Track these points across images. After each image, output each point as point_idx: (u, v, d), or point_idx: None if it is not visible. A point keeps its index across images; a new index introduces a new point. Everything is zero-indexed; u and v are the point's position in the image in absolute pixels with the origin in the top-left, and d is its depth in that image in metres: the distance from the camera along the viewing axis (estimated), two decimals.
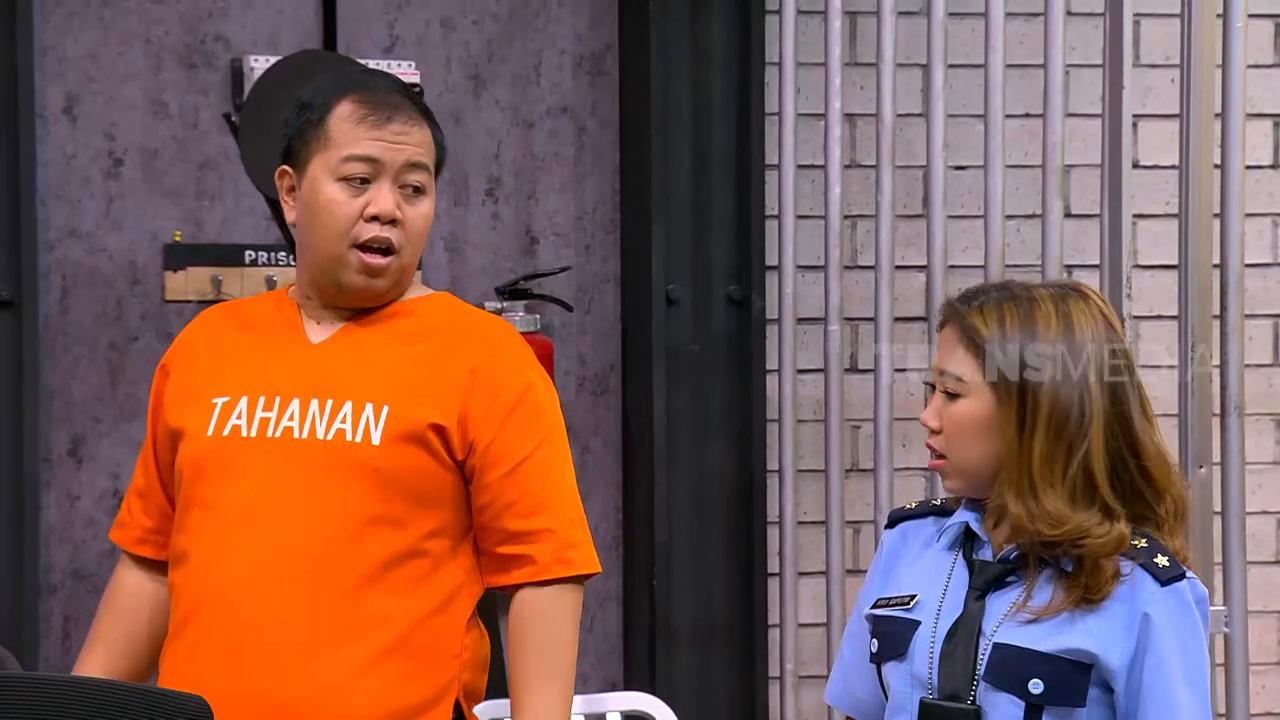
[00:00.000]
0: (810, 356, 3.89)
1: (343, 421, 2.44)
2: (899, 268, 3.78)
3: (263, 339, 2.54)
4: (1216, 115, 3.44)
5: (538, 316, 3.94)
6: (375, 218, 2.43)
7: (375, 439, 2.43)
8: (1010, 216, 3.73)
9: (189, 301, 3.90)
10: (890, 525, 2.44)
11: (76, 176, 3.90)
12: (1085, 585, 2.22)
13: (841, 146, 3.77)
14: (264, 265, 3.93)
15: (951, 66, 3.67)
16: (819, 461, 3.83)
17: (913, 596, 2.31)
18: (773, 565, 3.94)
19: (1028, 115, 3.80)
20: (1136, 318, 3.66)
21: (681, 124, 3.97)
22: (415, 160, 2.45)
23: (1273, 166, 4.13)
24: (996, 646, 2.23)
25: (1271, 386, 4.05)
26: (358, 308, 2.50)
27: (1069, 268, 3.71)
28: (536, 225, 4.07)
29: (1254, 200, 3.81)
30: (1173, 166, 3.59)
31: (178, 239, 3.92)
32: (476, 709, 2.55)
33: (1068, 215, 3.70)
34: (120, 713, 2.34)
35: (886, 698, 2.33)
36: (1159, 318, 3.93)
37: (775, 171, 3.88)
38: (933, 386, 2.34)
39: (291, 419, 2.45)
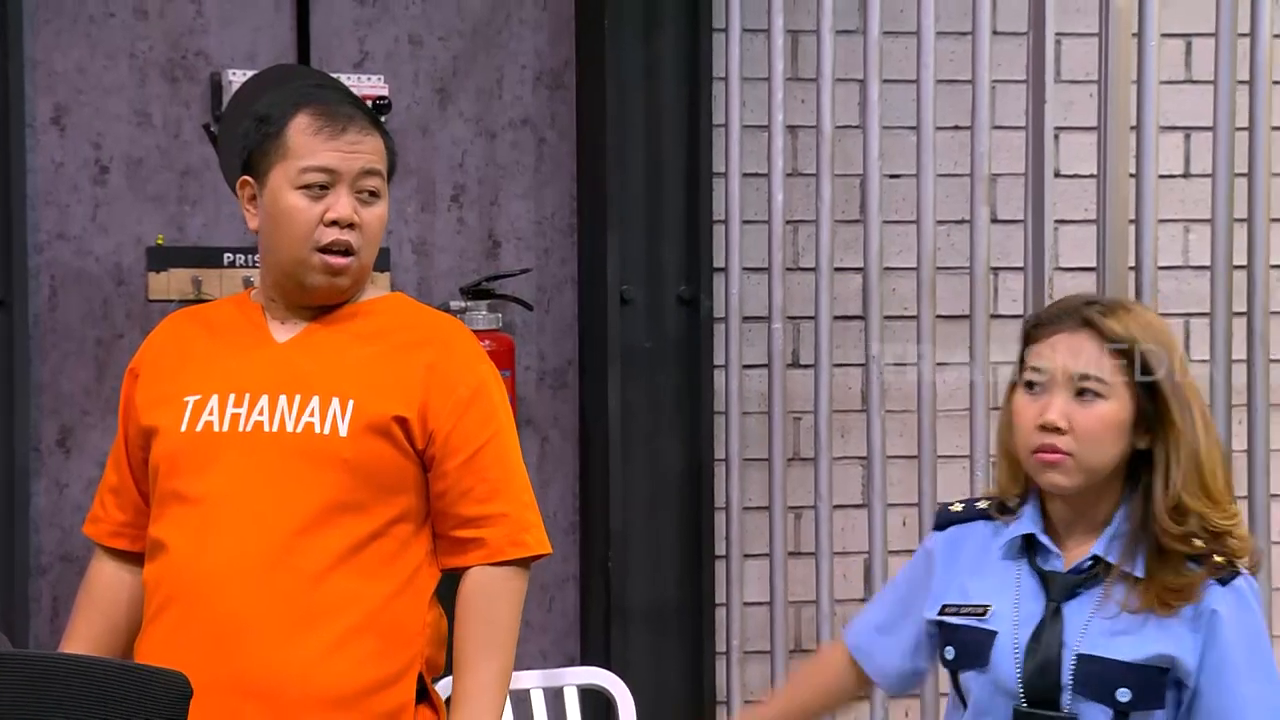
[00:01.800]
0: (755, 353, 3.92)
1: (311, 415, 2.50)
2: (838, 269, 3.85)
3: (229, 340, 2.59)
4: (1132, 128, 3.49)
5: (500, 315, 4.00)
6: (335, 222, 2.51)
7: (343, 431, 2.50)
8: (941, 222, 3.79)
9: (171, 301, 3.90)
10: (939, 528, 2.45)
11: (65, 183, 3.91)
12: (1173, 590, 2.26)
13: (784, 156, 3.83)
14: (241, 267, 3.96)
15: (886, 82, 3.74)
16: (763, 451, 3.88)
17: (987, 606, 2.34)
18: (720, 549, 3.97)
19: (957, 127, 3.86)
20: None
21: (634, 135, 3.99)
22: (369, 167, 2.53)
23: (1184, 176, 4.17)
24: (1081, 658, 2.28)
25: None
26: (319, 307, 2.57)
27: (995, 270, 3.77)
28: (499, 229, 4.09)
29: (1167, 207, 3.85)
30: (1091, 175, 3.63)
31: (160, 242, 3.94)
32: (438, 684, 2.64)
33: (994, 221, 3.74)
34: (106, 686, 2.42)
35: (965, 705, 2.37)
36: None
37: (722, 179, 3.92)
38: (1030, 384, 2.33)
39: (261, 414, 2.51)
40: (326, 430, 2.51)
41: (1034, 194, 3.52)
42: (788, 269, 3.91)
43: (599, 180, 4.02)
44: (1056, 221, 3.69)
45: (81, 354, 3.96)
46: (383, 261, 3.97)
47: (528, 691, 3.25)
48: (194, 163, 3.98)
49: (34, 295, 3.89)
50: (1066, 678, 2.29)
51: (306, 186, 2.51)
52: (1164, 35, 3.64)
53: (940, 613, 2.40)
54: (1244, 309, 3.63)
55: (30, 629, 3.86)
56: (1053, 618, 2.31)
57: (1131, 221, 3.52)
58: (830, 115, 3.79)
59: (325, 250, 2.52)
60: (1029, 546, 2.37)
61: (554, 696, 3.31)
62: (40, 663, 2.56)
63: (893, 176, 3.93)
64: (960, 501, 2.48)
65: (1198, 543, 2.30)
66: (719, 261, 3.99)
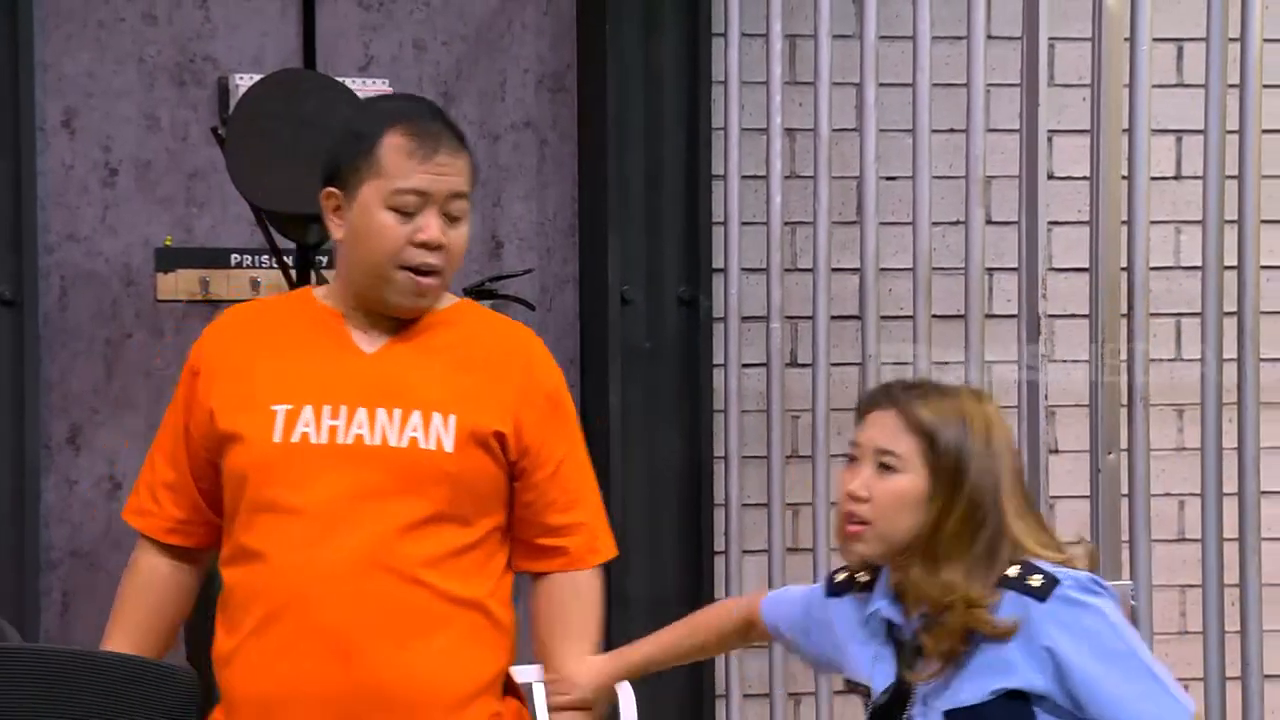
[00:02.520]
0: (754, 352, 3.95)
1: (414, 430, 2.52)
2: (835, 270, 3.87)
3: (312, 347, 2.58)
4: (1124, 131, 3.54)
5: (503, 315, 4.12)
6: (424, 244, 2.52)
7: (448, 446, 2.53)
8: (936, 223, 3.81)
9: (179, 301, 3.95)
10: (830, 594, 2.56)
11: (75, 185, 3.95)
12: (947, 647, 2.36)
13: (782, 158, 3.86)
14: (249, 268, 3.99)
15: (883, 85, 3.75)
16: (762, 449, 3.91)
17: (869, 687, 2.47)
18: (719, 544, 4.00)
19: (952, 130, 3.87)
20: (1051, 316, 3.74)
21: (635, 137, 4.02)
22: (458, 190, 2.55)
23: (1176, 178, 4.21)
24: (948, 715, 2.38)
25: (1174, 379, 4.11)
26: (399, 318, 2.59)
27: (990, 270, 3.81)
28: (502, 230, 4.14)
29: (1158, 209, 3.87)
30: (1084, 177, 3.64)
31: (169, 243, 3.98)
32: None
33: (989, 222, 3.76)
34: (120, 682, 2.51)
35: None
36: (1072, 316, 3.99)
37: (721, 181, 3.95)
38: (851, 458, 2.47)
39: (360, 427, 2.52)
40: (431, 445, 2.54)
41: (1028, 195, 3.55)
42: (786, 270, 3.95)
43: (600, 182, 4.06)
44: (1050, 223, 3.71)
45: (91, 353, 3.99)
46: None
47: (530, 685, 3.28)
48: (201, 165, 4.01)
49: (44, 295, 3.94)
50: None
51: (397, 208, 2.53)
52: (1156, 40, 3.67)
53: (846, 684, 2.54)
54: (1234, 309, 3.67)
55: (41, 623, 3.90)
56: (906, 686, 2.43)
57: (1124, 223, 3.57)
58: (828, 118, 3.82)
59: (412, 270, 2.54)
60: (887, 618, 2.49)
61: None
62: (54, 658, 2.62)
63: (889, 178, 3.95)
64: (841, 571, 2.59)
65: (943, 610, 2.38)
66: (718, 262, 4.02)
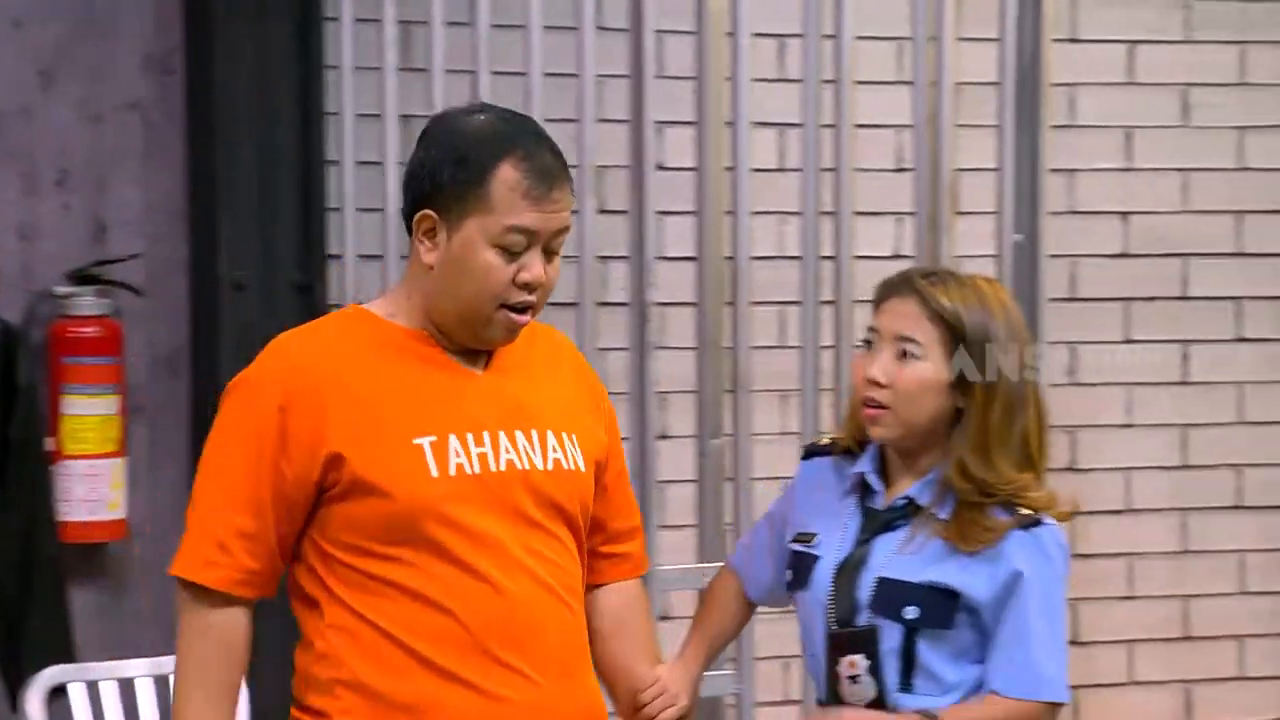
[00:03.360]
0: None
1: (554, 450, 2.50)
2: None
3: (421, 373, 2.48)
4: (728, 123, 3.63)
5: (109, 301, 3.96)
6: (526, 285, 2.46)
7: (582, 465, 2.53)
8: None
9: None
10: (805, 458, 2.71)
11: None
12: (969, 531, 2.51)
13: (397, 145, 3.79)
14: None
15: (496, 73, 3.75)
16: None
17: (814, 535, 2.61)
18: None
19: (565, 120, 3.82)
20: (660, 304, 3.79)
21: (246, 121, 3.97)
22: (564, 227, 2.49)
23: (779, 170, 4.33)
24: (880, 580, 2.53)
25: (776, 366, 4.23)
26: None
27: (601, 258, 3.85)
28: (107, 214, 4.06)
29: (761, 200, 3.96)
30: (691, 168, 3.73)
31: None
32: None
33: (601, 211, 3.80)
34: None
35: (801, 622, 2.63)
36: (680, 304, 4.03)
37: (336, 167, 3.92)
38: (867, 343, 2.58)
39: (507, 452, 2.47)
40: (570, 465, 2.53)
41: (636, 186, 3.63)
42: (402, 257, 3.82)
43: (209, 166, 4.00)
44: (660, 212, 3.76)
45: None
46: None
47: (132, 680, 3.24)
48: None
49: None
50: (864, 597, 2.53)
51: (504, 247, 2.44)
52: (757, 35, 3.77)
53: (792, 540, 2.65)
54: (832, 298, 3.80)
55: None
56: (862, 546, 2.56)
57: (729, 213, 3.67)
58: (443, 105, 3.72)
59: (510, 307, 2.47)
60: (864, 485, 2.61)
61: (162, 683, 3.30)
62: None
63: None
64: (830, 435, 2.72)
65: (989, 497, 2.53)
66: (334, 249, 3.99)
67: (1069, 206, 4.44)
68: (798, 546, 2.64)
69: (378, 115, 3.87)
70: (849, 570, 2.56)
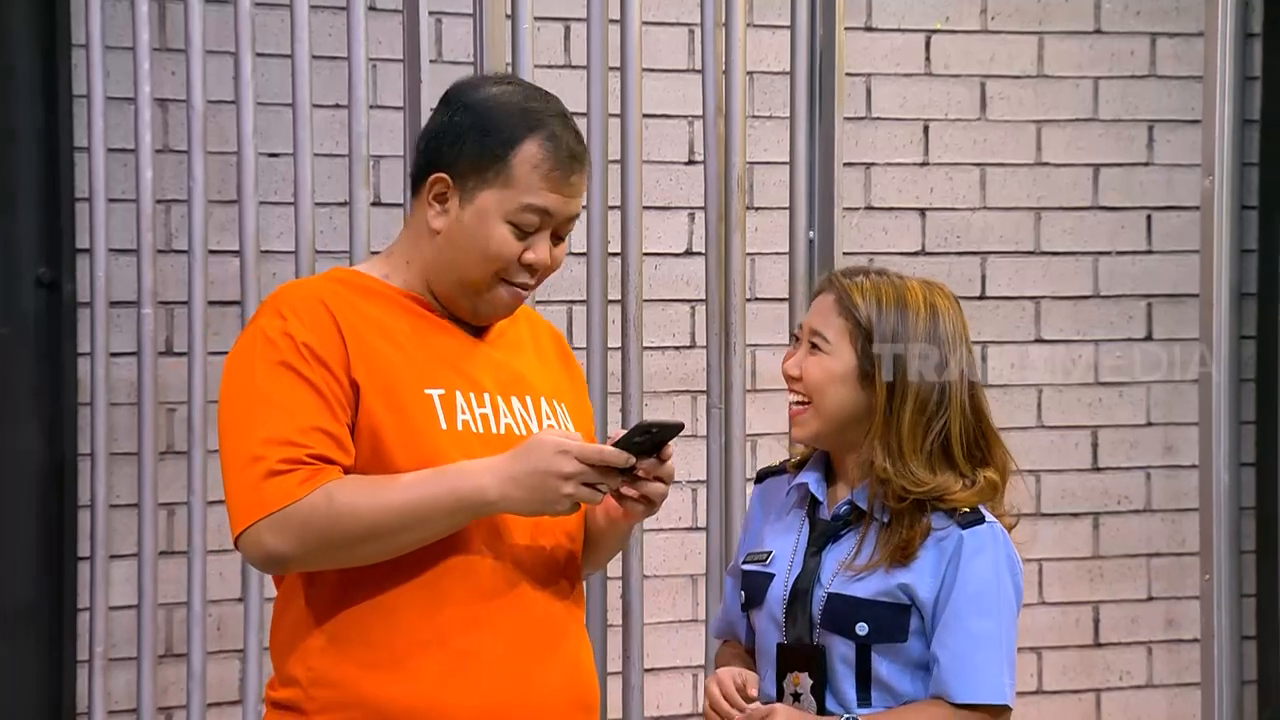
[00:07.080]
0: (124, 340, 3.76)
1: (548, 418, 2.50)
2: (213, 252, 3.72)
3: (426, 329, 2.47)
4: None
5: None
6: (530, 265, 2.46)
7: (574, 433, 2.50)
8: (321, 204, 3.71)
9: None
10: (757, 481, 2.72)
11: None
12: (901, 537, 2.51)
13: (153, 131, 3.67)
14: None
15: (260, 55, 3.65)
16: (132, 444, 3.73)
17: (769, 553, 2.61)
18: (84, 549, 3.78)
19: (337, 106, 3.78)
20: None
21: None
22: (576, 213, 2.49)
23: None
24: (830, 596, 2.53)
25: None
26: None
27: (376, 253, 3.78)
28: None
29: None
30: None
31: None
32: None
33: (376, 203, 3.71)
34: None
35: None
36: None
37: (85, 154, 3.72)
38: (796, 339, 2.62)
39: (505, 416, 2.47)
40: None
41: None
42: (159, 251, 3.76)
43: None
44: None
45: None
46: None
47: None
48: None
49: None
50: (816, 614, 2.54)
51: (518, 224, 2.44)
52: (541, 19, 3.67)
53: (744, 561, 2.66)
54: (618, 296, 3.70)
55: None
56: (813, 559, 2.57)
57: None
58: (201, 89, 3.66)
59: (510, 283, 2.47)
60: (811, 496, 2.62)
61: None
62: None
63: (270, 155, 3.83)
64: (783, 459, 2.74)
65: (902, 501, 2.53)
66: (83, 242, 3.80)
67: (865, 202, 4.35)
68: (751, 566, 2.64)
69: (131, 99, 3.70)
70: (800, 587, 2.57)
